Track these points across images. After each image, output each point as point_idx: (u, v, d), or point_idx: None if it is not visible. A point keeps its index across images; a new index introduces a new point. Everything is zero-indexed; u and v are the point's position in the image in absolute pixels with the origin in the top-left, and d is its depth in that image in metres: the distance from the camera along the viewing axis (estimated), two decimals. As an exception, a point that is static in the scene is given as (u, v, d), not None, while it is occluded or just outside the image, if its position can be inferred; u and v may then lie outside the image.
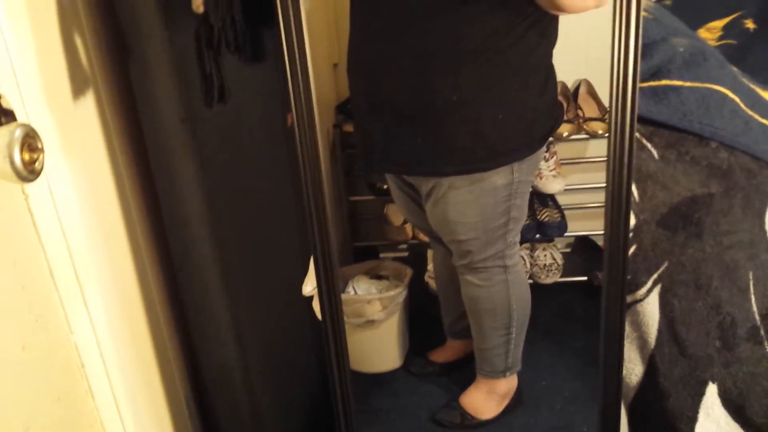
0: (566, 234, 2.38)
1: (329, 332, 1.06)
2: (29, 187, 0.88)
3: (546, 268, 2.41)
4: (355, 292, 2.17)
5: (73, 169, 0.98)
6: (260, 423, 1.42)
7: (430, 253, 2.41)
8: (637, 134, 1.12)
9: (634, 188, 1.08)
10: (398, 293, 2.09)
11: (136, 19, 1.07)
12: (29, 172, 0.73)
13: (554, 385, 2.04)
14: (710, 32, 1.68)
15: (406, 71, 1.38)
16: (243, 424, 1.39)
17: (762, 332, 1.13)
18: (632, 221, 1.08)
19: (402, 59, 1.38)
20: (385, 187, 2.26)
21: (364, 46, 1.45)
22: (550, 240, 2.46)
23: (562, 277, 2.43)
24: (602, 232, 1.06)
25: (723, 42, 1.64)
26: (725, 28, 1.65)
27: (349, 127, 2.34)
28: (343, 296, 2.08)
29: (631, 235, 1.06)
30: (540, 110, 1.47)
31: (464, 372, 2.05)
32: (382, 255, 2.69)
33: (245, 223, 1.24)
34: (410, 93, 1.40)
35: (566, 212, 2.38)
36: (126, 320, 1.14)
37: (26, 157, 0.72)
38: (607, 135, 1.00)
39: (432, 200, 1.58)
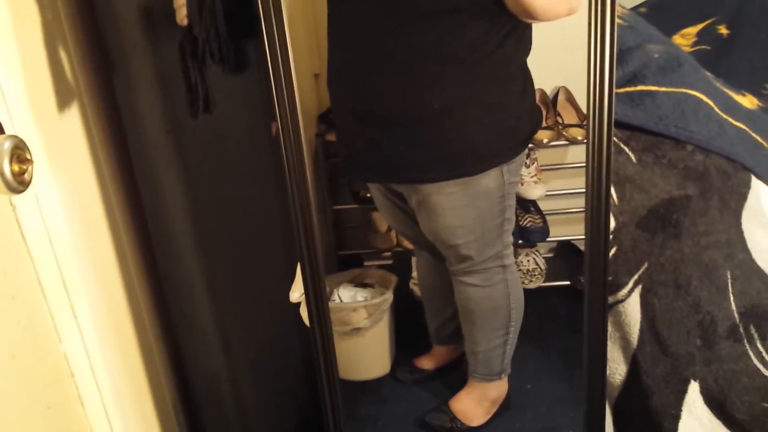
0: (548, 239, 2.39)
1: (317, 338, 1.07)
2: (16, 198, 0.88)
3: (529, 273, 2.43)
4: (341, 300, 2.17)
5: (60, 181, 0.99)
6: (248, 429, 1.42)
7: (414, 260, 2.42)
8: (614, 138, 1.15)
9: (612, 191, 1.10)
10: (383, 300, 2.10)
11: (119, 33, 1.08)
12: (18, 183, 0.73)
13: (539, 389, 2.04)
14: (685, 38, 1.72)
15: (388, 81, 1.40)
16: (231, 430, 1.39)
17: (741, 330, 1.16)
18: (612, 224, 1.10)
19: (383, 69, 1.40)
20: (368, 195, 2.26)
21: (344, 57, 1.46)
22: (533, 245, 2.47)
23: (545, 282, 2.44)
24: (584, 236, 1.08)
25: (697, 48, 1.68)
26: (699, 34, 1.69)
27: (331, 137, 2.34)
28: (329, 304, 2.08)
29: (611, 237, 1.08)
30: (521, 114, 1.49)
31: (451, 377, 2.06)
32: (366, 263, 2.69)
33: (231, 232, 1.25)
34: (393, 102, 1.41)
35: (548, 218, 2.40)
36: (113, 329, 1.14)
37: (15, 168, 0.73)
38: (586, 141, 1.02)
39: (425, 208, 1.58)
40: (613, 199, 1.12)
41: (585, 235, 1.05)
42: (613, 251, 1.14)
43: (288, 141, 1.00)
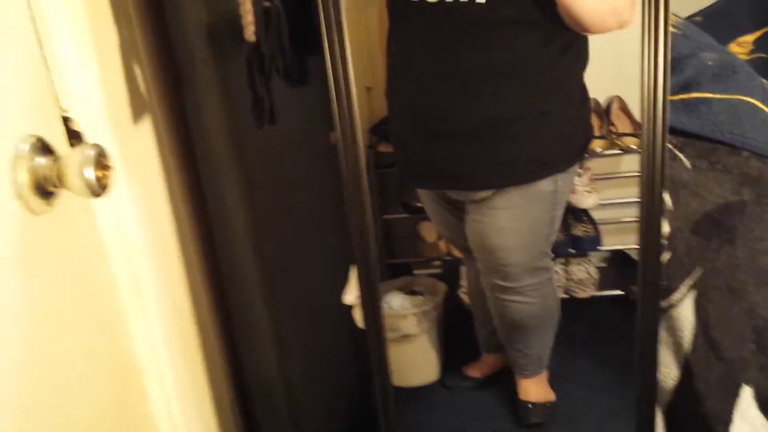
0: (601, 248, 2.39)
1: (372, 339, 1.10)
2: (96, 201, 0.94)
3: (581, 283, 2.42)
4: (390, 308, 2.20)
5: (133, 187, 1.05)
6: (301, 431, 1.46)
7: (463, 270, 2.44)
8: (669, 145, 1.15)
9: (667, 197, 1.11)
10: (433, 308, 2.12)
11: (190, 51, 1.14)
12: (101, 187, 0.79)
13: (590, 400, 2.03)
14: (741, 47, 1.70)
15: (453, 92, 1.45)
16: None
17: (797, 336, 1.15)
18: (666, 229, 1.10)
19: (448, 81, 1.45)
20: (417, 204, 2.29)
21: (407, 70, 1.52)
22: (584, 254, 2.47)
23: (597, 291, 2.43)
24: (637, 246, 1.09)
25: (754, 56, 1.66)
26: (756, 42, 1.67)
27: (383, 148, 2.39)
28: (381, 311, 2.11)
29: (665, 242, 1.09)
30: (578, 123, 1.53)
31: (500, 386, 2.07)
32: (415, 272, 2.72)
33: (289, 238, 1.29)
34: (455, 113, 1.46)
35: (601, 227, 2.40)
36: (178, 330, 1.19)
37: (99, 173, 0.78)
38: (640, 150, 1.02)
39: (479, 214, 1.61)
40: (667, 204, 1.12)
41: (639, 243, 1.06)
42: (666, 257, 1.14)
43: (347, 150, 1.04)
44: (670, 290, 1.15)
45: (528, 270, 1.67)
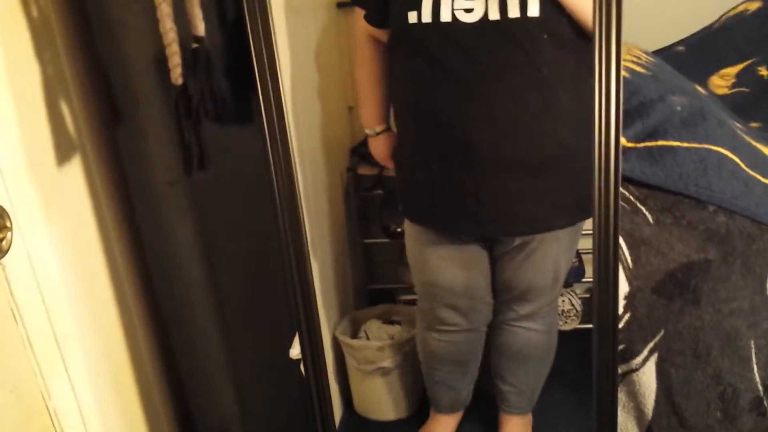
0: (584, 280, 2.32)
1: (314, 398, 1.04)
2: (5, 259, 0.88)
3: (565, 314, 2.35)
4: (367, 337, 2.15)
5: (57, 235, 0.99)
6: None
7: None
8: (631, 197, 1.09)
9: (627, 254, 1.04)
10: (411, 338, 2.06)
11: (130, 85, 1.08)
12: (-2, 251, 0.73)
13: (573, 436, 1.98)
14: (723, 79, 1.64)
15: (514, 123, 1.29)
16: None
17: (765, 403, 1.08)
18: (626, 288, 1.04)
19: (506, 111, 1.29)
20: (399, 230, 2.23)
21: (437, 98, 1.34)
22: (569, 285, 2.40)
23: (581, 323, 2.37)
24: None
25: (736, 90, 1.60)
26: (738, 75, 1.61)
27: (363, 170, 2.33)
28: (354, 342, 2.05)
29: (624, 302, 1.02)
30: None
31: (479, 426, 2.01)
32: (397, 298, 2.66)
33: (236, 286, 1.23)
34: (522, 148, 1.31)
35: (584, 257, 2.33)
36: (112, 380, 1.14)
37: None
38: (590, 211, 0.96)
39: (521, 255, 1.49)
40: (627, 262, 1.06)
41: (593, 303, 1.00)
42: (626, 318, 1.07)
43: (282, 198, 0.97)
44: (631, 354, 1.08)
45: (547, 300, 1.60)
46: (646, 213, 1.08)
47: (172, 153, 1.09)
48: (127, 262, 1.19)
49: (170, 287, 1.21)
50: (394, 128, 1.58)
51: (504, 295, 1.62)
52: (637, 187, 1.09)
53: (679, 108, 1.11)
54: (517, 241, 1.45)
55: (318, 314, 1.05)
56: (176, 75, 0.96)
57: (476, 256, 1.55)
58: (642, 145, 1.11)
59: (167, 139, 1.06)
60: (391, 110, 1.55)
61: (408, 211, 1.56)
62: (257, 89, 0.92)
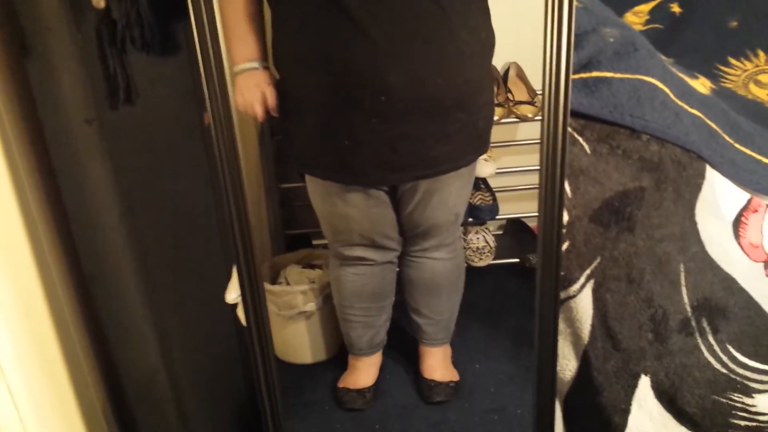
0: (498, 217, 2.37)
1: (255, 344, 1.00)
2: None
3: (479, 251, 2.40)
4: (288, 283, 2.11)
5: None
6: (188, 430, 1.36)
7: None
8: (569, 128, 1.10)
9: (566, 184, 1.06)
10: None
11: (37, 14, 0.97)
12: None
13: (488, 368, 2.03)
14: (637, 16, 1.68)
15: (436, 65, 1.24)
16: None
17: (693, 323, 1.14)
18: (565, 218, 1.06)
19: (420, 51, 1.22)
20: (315, 173, 2.18)
21: (337, 35, 1.22)
22: (483, 223, 2.44)
23: (494, 259, 2.43)
24: (534, 214, 1.03)
25: (650, 26, 1.64)
26: (651, 12, 1.65)
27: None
28: (275, 288, 2.01)
29: (564, 231, 1.04)
30: None
31: (401, 362, 2.03)
32: (315, 242, 2.63)
33: (164, 230, 1.17)
34: (443, 88, 1.26)
35: (498, 195, 2.37)
36: (31, 334, 1.06)
37: None
38: (537, 118, 0.96)
39: (426, 195, 1.48)
40: (566, 192, 1.08)
41: (538, 230, 1.01)
42: (565, 246, 1.10)
43: (220, 133, 0.92)
44: (569, 281, 1.11)
45: (454, 230, 1.63)
46: (584, 143, 1.10)
47: (90, 88, 1.00)
48: (43, 211, 1.09)
49: (91, 235, 1.13)
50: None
51: (409, 231, 1.63)
52: (575, 118, 1.10)
53: (611, 39, 1.13)
54: (423, 181, 1.43)
55: (257, 254, 1.01)
56: (98, -3, 0.87)
57: (382, 198, 1.52)
58: (577, 76, 1.12)
59: (84, 72, 0.97)
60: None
61: (308, 167, 1.47)
62: (190, 15, 0.85)
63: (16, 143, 1.02)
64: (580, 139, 1.10)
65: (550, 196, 0.96)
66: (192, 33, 0.86)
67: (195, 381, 1.35)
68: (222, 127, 0.90)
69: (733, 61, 1.61)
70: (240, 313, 1.12)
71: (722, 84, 1.55)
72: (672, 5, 1.65)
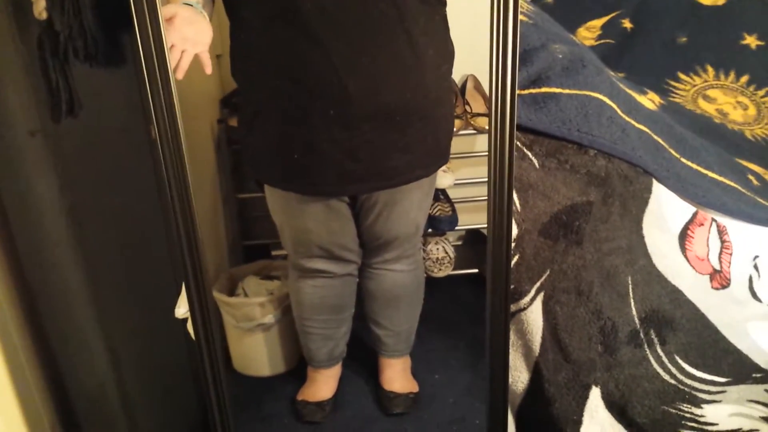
0: (457, 228, 2.38)
1: (204, 358, 0.99)
2: None
3: (438, 262, 2.41)
4: (245, 294, 2.09)
5: None
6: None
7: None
8: (518, 143, 1.11)
9: (516, 199, 1.07)
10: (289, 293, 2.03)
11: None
12: None
13: (448, 379, 2.03)
14: (590, 31, 1.71)
15: (396, 74, 1.24)
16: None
17: (642, 335, 1.16)
18: (514, 231, 1.07)
19: (383, 62, 1.22)
20: (273, 184, 2.17)
21: (297, 43, 1.21)
22: (442, 234, 2.45)
23: (454, 270, 2.44)
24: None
25: (602, 41, 1.67)
26: (604, 27, 1.68)
27: (234, 121, 2.23)
28: (233, 300, 2.00)
29: (513, 245, 1.05)
30: None
31: (361, 373, 2.02)
32: (274, 252, 2.61)
33: (111, 243, 1.15)
34: (403, 96, 1.26)
35: (457, 206, 2.39)
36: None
37: None
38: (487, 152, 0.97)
39: (386, 206, 1.47)
40: (516, 206, 1.09)
41: (487, 246, 1.02)
42: (515, 259, 1.11)
43: (167, 147, 0.91)
44: (519, 294, 1.12)
45: (414, 242, 1.62)
46: (533, 158, 1.11)
47: (33, 99, 0.98)
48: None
49: (36, 250, 1.10)
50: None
51: (370, 243, 1.62)
52: (524, 132, 1.12)
53: (560, 56, 1.14)
54: (383, 192, 1.43)
55: (206, 269, 1.00)
56: (39, 8, 0.85)
57: (343, 209, 1.51)
58: (527, 92, 1.13)
59: (28, 83, 0.95)
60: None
61: (267, 177, 1.46)
62: (134, 26, 0.84)
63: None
64: (529, 154, 1.11)
65: (498, 210, 0.97)
66: (137, 44, 0.84)
67: (146, 396, 1.32)
68: (168, 141, 0.89)
69: (682, 76, 1.65)
70: (190, 327, 1.11)
71: (671, 99, 1.59)
72: (624, 21, 1.68)
